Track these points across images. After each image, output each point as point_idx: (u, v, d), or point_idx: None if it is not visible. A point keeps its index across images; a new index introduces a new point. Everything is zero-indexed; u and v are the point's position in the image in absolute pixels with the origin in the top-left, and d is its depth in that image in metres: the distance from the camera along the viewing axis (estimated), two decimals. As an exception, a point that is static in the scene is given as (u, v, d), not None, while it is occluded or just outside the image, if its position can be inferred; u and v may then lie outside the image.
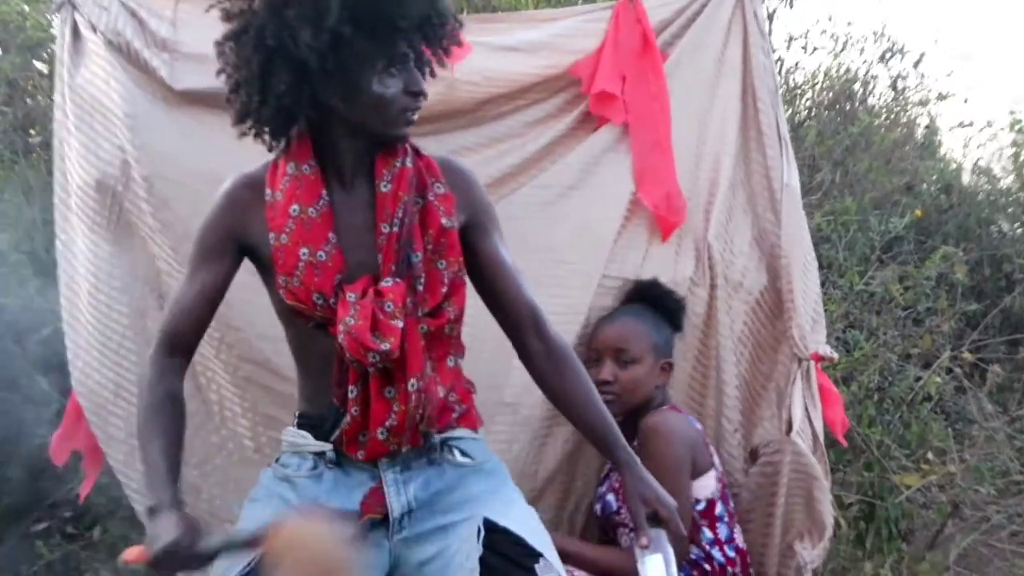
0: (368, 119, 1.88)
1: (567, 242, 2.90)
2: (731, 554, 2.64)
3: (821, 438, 2.82)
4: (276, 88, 1.83)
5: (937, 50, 10.45)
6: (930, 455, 4.19)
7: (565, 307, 2.83)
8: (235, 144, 2.73)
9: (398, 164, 1.94)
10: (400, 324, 1.84)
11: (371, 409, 1.90)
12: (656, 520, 2.04)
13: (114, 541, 3.54)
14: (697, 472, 2.62)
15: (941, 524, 4.02)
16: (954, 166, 6.87)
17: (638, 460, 2.10)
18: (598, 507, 2.74)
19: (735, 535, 2.68)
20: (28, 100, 4.16)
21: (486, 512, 1.95)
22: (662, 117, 2.90)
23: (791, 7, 5.90)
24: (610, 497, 2.69)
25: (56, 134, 2.74)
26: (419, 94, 1.88)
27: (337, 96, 1.85)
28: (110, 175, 2.64)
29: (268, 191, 1.95)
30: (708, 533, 2.63)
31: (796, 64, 6.48)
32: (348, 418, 1.91)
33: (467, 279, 2.07)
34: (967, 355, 4.68)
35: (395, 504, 1.95)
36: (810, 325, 2.84)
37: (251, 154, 2.75)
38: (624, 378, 2.73)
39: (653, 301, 2.86)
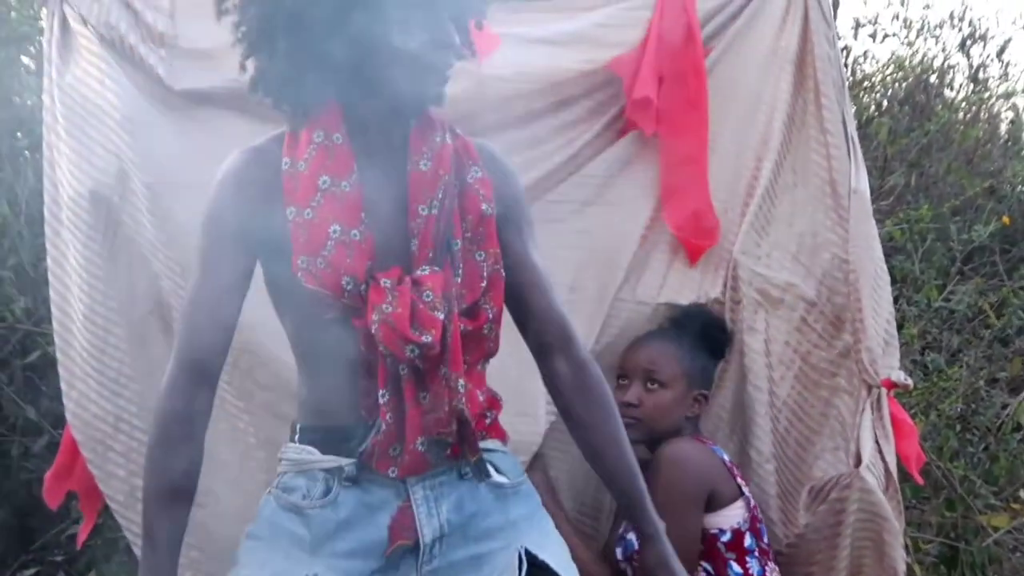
0: (392, 80, 1.83)
1: (580, 264, 2.90)
2: (762, 592, 2.67)
3: (895, 474, 2.80)
4: (279, 46, 1.82)
5: (1024, 36, 10.37)
6: (1022, 493, 4.15)
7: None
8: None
9: (438, 140, 1.91)
10: (441, 316, 1.79)
11: (407, 416, 1.82)
12: None
13: (110, 587, 3.55)
14: (720, 503, 2.65)
15: (1034, 570, 3.99)
16: (1043, 166, 6.81)
17: (662, 534, 2.09)
18: (619, 550, 2.75)
19: (767, 572, 2.69)
20: (15, 99, 4.16)
21: (525, 541, 1.95)
22: (699, 127, 2.87)
23: (860, -11, 5.88)
24: (631, 536, 2.69)
25: (45, 139, 2.72)
26: (449, 47, 1.85)
27: (354, 54, 1.81)
28: (105, 184, 2.63)
29: (286, 160, 1.88)
30: (736, 568, 2.64)
31: (865, 53, 6.46)
32: (383, 427, 1.82)
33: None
34: (1062, 379, 4.64)
35: (426, 529, 1.89)
36: (882, 348, 2.81)
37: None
38: (649, 402, 2.75)
39: (696, 328, 2.87)
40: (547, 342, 2.07)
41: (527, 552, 1.93)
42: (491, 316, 1.93)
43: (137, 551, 2.68)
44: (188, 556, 2.71)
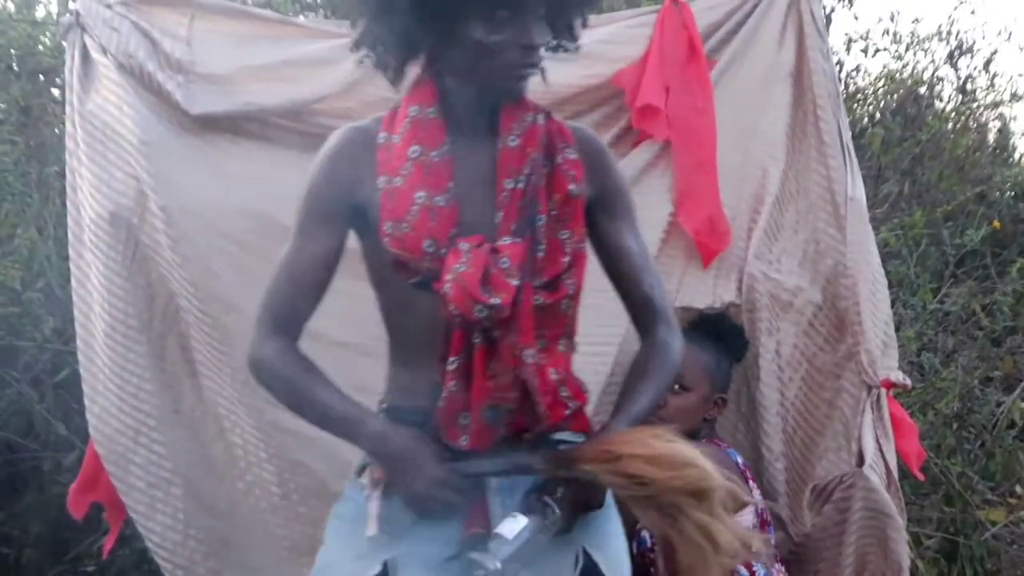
0: (470, 69, 1.83)
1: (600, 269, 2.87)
2: (767, 594, 2.63)
3: (895, 472, 2.77)
4: (370, 15, 1.84)
5: (1009, 48, 10.35)
6: (1018, 488, 4.11)
7: (607, 337, 2.77)
8: (256, 172, 2.78)
9: (528, 119, 1.89)
10: (515, 283, 1.77)
11: (472, 384, 1.80)
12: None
13: (139, 596, 3.52)
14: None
15: (1032, 563, 3.94)
16: (1030, 172, 6.77)
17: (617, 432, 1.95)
18: (633, 544, 2.69)
19: (773, 573, 2.65)
20: (43, 128, 4.17)
21: (585, 540, 1.91)
22: (707, 133, 2.87)
23: (851, 6, 5.86)
24: (645, 533, 2.66)
25: (67, 164, 2.72)
26: (531, 48, 1.81)
27: (431, 38, 1.81)
28: (124, 206, 2.61)
29: (383, 134, 1.89)
30: (743, 570, 2.60)
31: (857, 68, 6.44)
32: (445, 394, 1.81)
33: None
34: (1054, 377, 4.59)
35: (498, 519, 1.84)
36: (880, 349, 2.79)
37: (273, 184, 2.78)
38: (674, 404, 2.71)
39: (718, 334, 2.84)
40: (634, 318, 2.05)
41: (585, 551, 1.90)
42: (570, 292, 1.90)
43: (157, 559, 2.66)
44: (206, 566, 2.71)
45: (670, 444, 1.76)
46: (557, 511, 1.79)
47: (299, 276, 1.90)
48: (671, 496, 1.73)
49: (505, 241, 1.81)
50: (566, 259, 1.87)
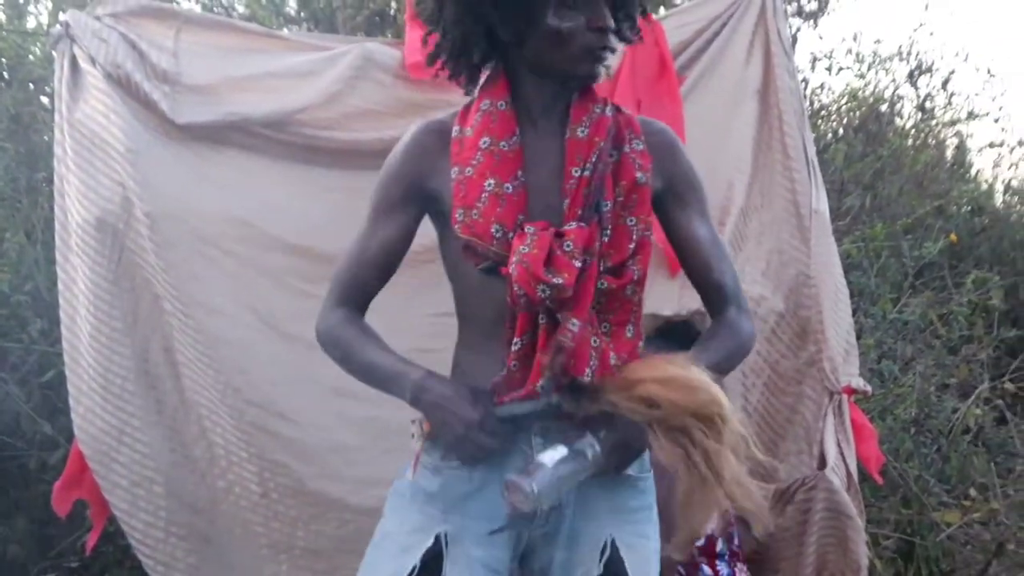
0: (547, 57, 1.83)
1: None
2: (730, 592, 2.63)
3: (855, 475, 2.79)
4: (448, 20, 1.85)
5: (966, 68, 10.43)
6: (972, 491, 4.13)
7: None
8: (240, 181, 2.78)
9: (597, 111, 1.89)
10: (578, 264, 1.76)
11: (534, 364, 1.80)
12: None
13: (122, 592, 3.50)
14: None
15: (985, 564, 3.96)
16: (985, 187, 6.84)
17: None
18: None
19: (736, 572, 2.66)
20: (33, 135, 4.14)
21: (616, 531, 1.90)
22: None
23: (815, 26, 5.89)
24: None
25: (56, 171, 2.70)
26: (603, 30, 1.81)
27: (511, 30, 1.82)
28: (111, 212, 2.60)
29: (456, 128, 1.91)
30: (707, 570, 2.62)
31: (821, 85, 6.49)
32: (504, 372, 1.82)
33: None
34: (1008, 385, 4.62)
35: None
36: (842, 357, 2.81)
37: (256, 192, 2.78)
38: None
39: (683, 340, 2.82)
40: (710, 308, 2.04)
41: (614, 544, 1.89)
42: (636, 277, 1.89)
43: (140, 556, 2.65)
44: (187, 562, 2.70)
45: (683, 369, 1.75)
46: (597, 448, 1.78)
47: (366, 257, 1.94)
48: (680, 418, 1.72)
49: (571, 226, 1.80)
50: (632, 245, 1.86)
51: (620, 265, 1.86)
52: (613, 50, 1.86)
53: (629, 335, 1.90)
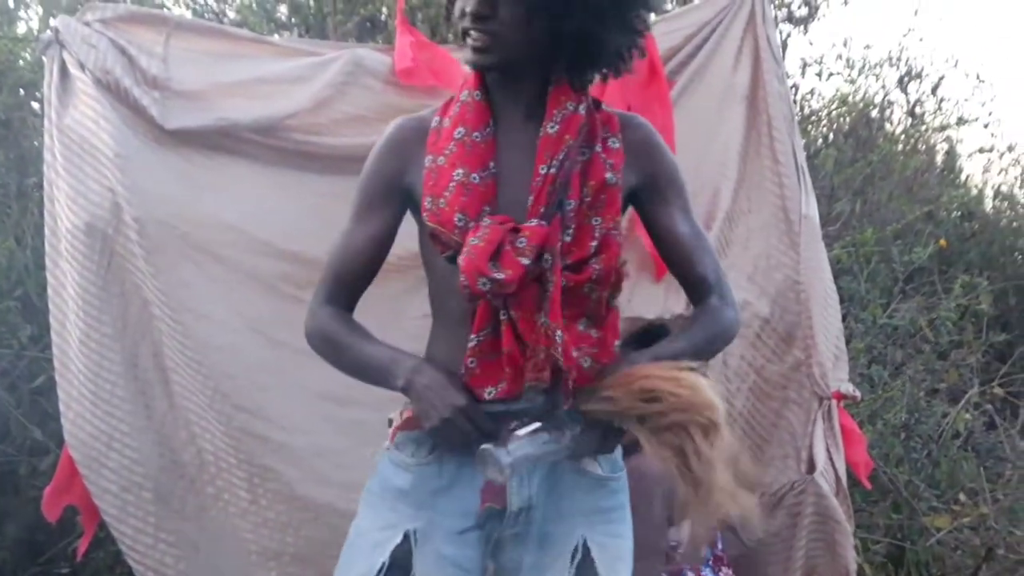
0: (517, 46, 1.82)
1: None
2: (714, 597, 2.62)
3: (844, 480, 2.79)
4: None
5: (956, 74, 10.46)
6: (961, 495, 4.13)
7: None
8: (228, 186, 2.77)
9: (570, 108, 1.87)
10: (526, 262, 1.74)
11: (503, 359, 1.80)
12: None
13: (113, 597, 3.48)
14: (679, 517, 2.60)
15: (975, 568, 3.96)
16: (975, 192, 6.85)
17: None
18: None
19: None
20: (23, 141, 4.14)
21: (588, 532, 1.91)
22: None
23: (805, 32, 5.90)
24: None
25: (45, 176, 2.70)
26: (471, 15, 1.79)
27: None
28: (100, 217, 2.59)
29: (436, 119, 1.93)
30: (690, 574, 2.63)
31: (812, 91, 6.51)
32: (463, 369, 1.82)
33: (621, 240, 1.93)
34: (997, 390, 4.62)
35: (515, 498, 1.87)
36: (832, 362, 2.81)
37: (245, 197, 2.77)
38: None
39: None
40: (694, 300, 2.03)
41: (585, 546, 1.89)
42: (595, 276, 1.85)
43: (130, 561, 2.64)
44: (176, 568, 2.69)
45: (690, 372, 1.77)
46: (576, 430, 1.80)
47: (350, 255, 1.94)
48: (680, 415, 1.73)
49: (531, 223, 1.79)
50: (594, 243, 1.85)
51: (580, 262, 1.84)
52: (479, 38, 1.81)
53: (582, 328, 1.89)
